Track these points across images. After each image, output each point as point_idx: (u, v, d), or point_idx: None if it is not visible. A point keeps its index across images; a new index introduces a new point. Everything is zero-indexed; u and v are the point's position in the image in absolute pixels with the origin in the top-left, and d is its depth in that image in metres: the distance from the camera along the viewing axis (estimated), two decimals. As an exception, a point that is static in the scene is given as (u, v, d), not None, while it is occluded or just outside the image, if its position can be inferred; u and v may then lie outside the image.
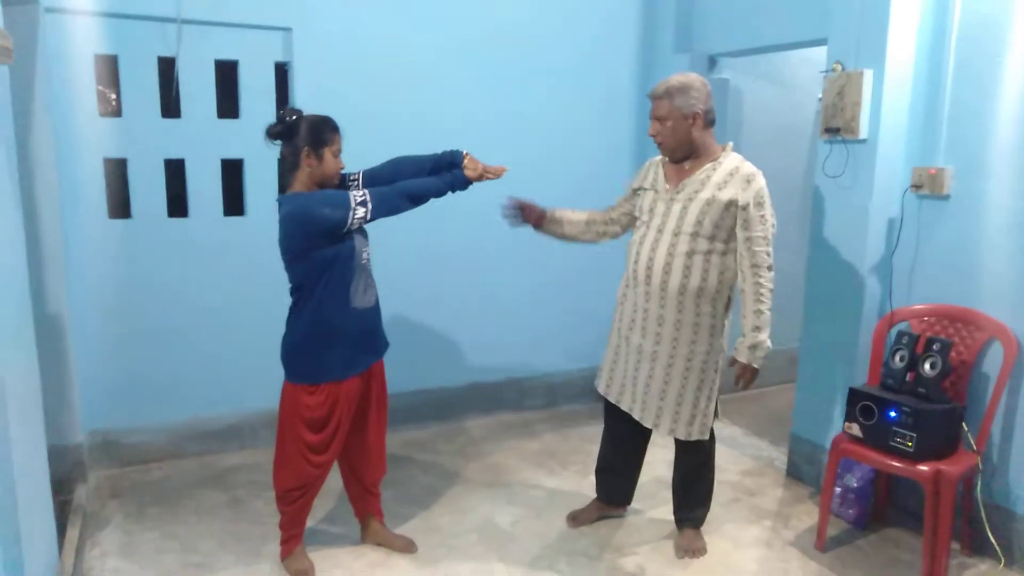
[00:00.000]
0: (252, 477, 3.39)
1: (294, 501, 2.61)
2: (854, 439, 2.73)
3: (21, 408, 2.09)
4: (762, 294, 2.50)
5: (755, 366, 2.55)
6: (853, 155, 3.05)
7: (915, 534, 2.95)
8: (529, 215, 2.84)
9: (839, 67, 3.06)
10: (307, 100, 3.32)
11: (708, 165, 2.55)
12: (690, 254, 2.51)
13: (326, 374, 2.49)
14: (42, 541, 2.24)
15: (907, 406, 2.58)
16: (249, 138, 3.43)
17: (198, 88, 3.31)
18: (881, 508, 3.09)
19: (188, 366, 3.50)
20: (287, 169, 2.45)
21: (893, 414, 2.61)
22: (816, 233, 3.27)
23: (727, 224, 2.51)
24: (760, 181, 2.51)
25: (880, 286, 3.09)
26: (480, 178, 2.60)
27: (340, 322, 2.47)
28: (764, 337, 2.52)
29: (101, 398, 3.35)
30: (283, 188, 2.51)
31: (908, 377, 2.71)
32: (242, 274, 3.53)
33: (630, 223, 2.82)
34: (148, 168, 3.30)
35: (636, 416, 2.73)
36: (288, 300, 2.52)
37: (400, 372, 3.86)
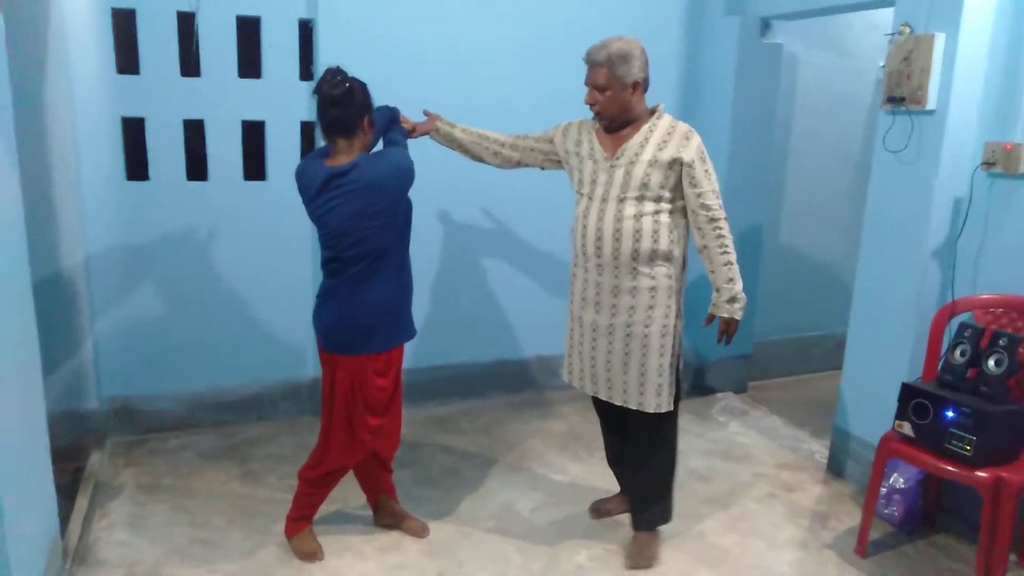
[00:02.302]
0: (268, 450, 3.30)
1: (329, 484, 2.55)
2: (905, 439, 2.51)
3: (15, 373, 2.00)
4: (727, 246, 2.43)
5: (736, 317, 2.45)
6: (918, 127, 2.77)
7: (967, 542, 2.73)
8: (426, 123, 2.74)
9: (907, 29, 2.78)
10: (332, 61, 3.15)
11: (645, 127, 2.44)
12: (638, 216, 2.39)
13: (408, 332, 2.51)
14: (37, 511, 2.17)
15: (967, 406, 2.34)
16: (271, 99, 3.30)
17: (218, 46, 3.17)
18: (929, 511, 2.87)
19: (208, 334, 3.41)
20: (340, 134, 2.28)
21: (950, 414, 2.38)
22: (872, 212, 3.01)
23: (671, 182, 2.40)
24: (697, 137, 2.43)
25: (941, 272, 2.83)
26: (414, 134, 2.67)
27: (410, 282, 2.49)
28: (739, 287, 2.44)
29: (119, 364, 3.29)
30: (326, 155, 2.35)
31: (969, 374, 2.47)
32: (263, 241, 3.41)
33: (541, 162, 2.72)
34: (166, 129, 3.18)
35: (604, 396, 2.57)
36: (314, 274, 2.40)
37: (424, 346, 3.76)
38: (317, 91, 2.27)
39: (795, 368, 4.55)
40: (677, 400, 2.56)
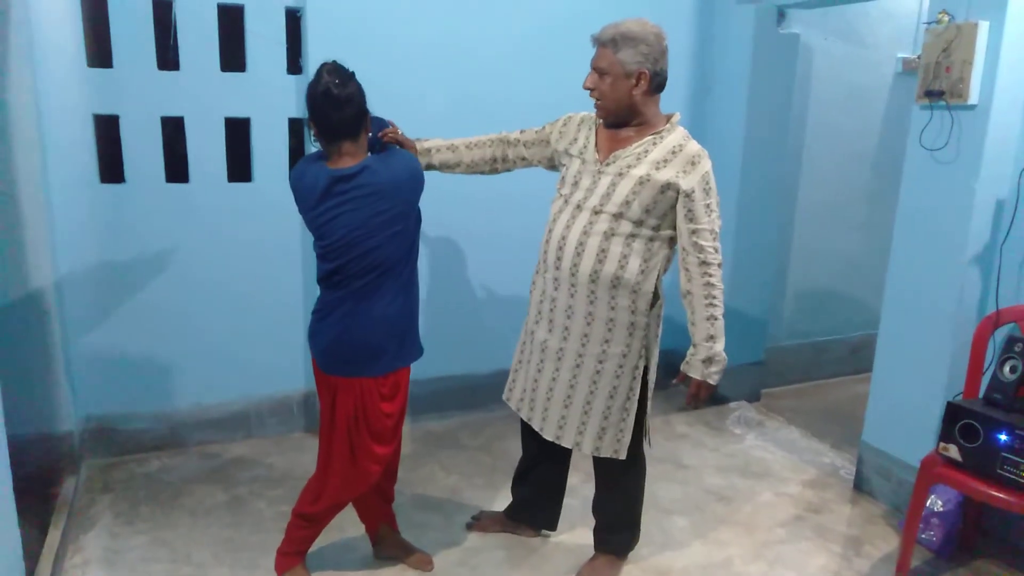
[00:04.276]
0: (255, 473, 3.07)
1: (327, 518, 2.33)
2: (951, 462, 2.31)
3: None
4: (714, 296, 2.11)
5: (710, 382, 2.14)
6: (959, 123, 2.57)
7: (1014, 570, 2.54)
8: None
9: (945, 18, 2.57)
10: (321, 52, 2.92)
11: (648, 137, 2.13)
12: (608, 235, 2.11)
13: (416, 351, 2.28)
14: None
15: (1022, 428, 2.15)
16: (256, 94, 3.06)
17: (199, 37, 2.92)
18: (970, 535, 2.68)
19: (190, 347, 3.17)
20: (347, 136, 2.04)
21: (1004, 437, 2.18)
22: (905, 213, 2.81)
23: (659, 209, 2.10)
24: (706, 164, 2.10)
25: (982, 280, 2.64)
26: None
27: (418, 296, 2.26)
28: (719, 348, 2.13)
29: (96, 382, 3.05)
30: (326, 158, 2.09)
31: (1020, 392, 2.28)
32: (249, 246, 3.17)
33: (525, 165, 2.48)
34: (143, 126, 2.93)
35: (536, 426, 2.33)
36: (313, 291, 2.17)
37: (422, 358, 3.53)
38: (323, 92, 1.98)
39: (809, 374, 4.36)
40: (640, 443, 2.31)
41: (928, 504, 2.65)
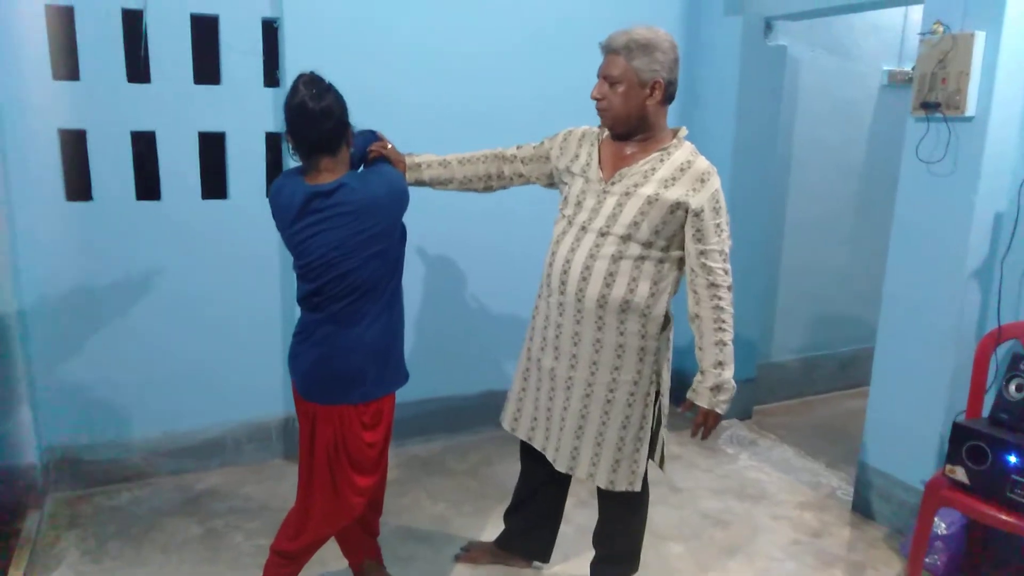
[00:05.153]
0: (232, 504, 2.92)
1: (307, 555, 2.17)
2: (958, 485, 2.24)
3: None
4: (724, 320, 2.01)
5: (718, 411, 2.04)
6: (956, 136, 2.52)
7: (1020, 594, 2.47)
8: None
9: (940, 29, 2.52)
10: (300, 63, 2.81)
11: (655, 154, 2.03)
12: (615, 258, 2.00)
13: (401, 377, 2.16)
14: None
15: (1032, 450, 2.08)
16: (231, 108, 2.94)
17: (171, 47, 2.80)
18: (975, 560, 2.61)
19: (162, 371, 3.02)
20: (326, 152, 1.92)
21: (1013, 459, 2.11)
22: (901, 227, 2.75)
23: (668, 230, 2.00)
24: (716, 181, 2.01)
25: (982, 295, 2.58)
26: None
27: (402, 318, 2.15)
28: (728, 375, 2.02)
29: (62, 410, 2.89)
30: (304, 172, 1.98)
31: (1028, 411, 2.21)
32: (224, 267, 3.04)
33: (522, 182, 2.36)
34: (112, 142, 2.79)
35: (549, 457, 2.22)
36: (292, 311, 2.04)
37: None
38: (298, 105, 1.87)
39: (800, 390, 4.29)
40: (645, 474, 2.20)
41: (932, 527, 2.57)
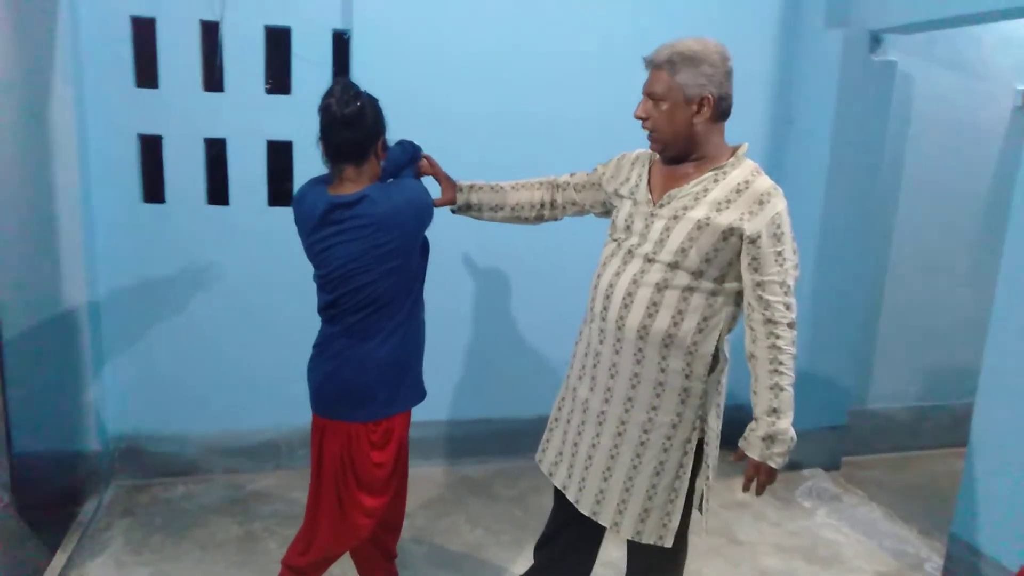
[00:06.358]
0: (276, 507, 2.95)
1: (318, 571, 2.13)
2: (1054, 577, 1.89)
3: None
4: (782, 362, 1.75)
5: (772, 465, 1.78)
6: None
7: None
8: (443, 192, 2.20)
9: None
10: (368, 74, 2.83)
11: (709, 174, 1.81)
12: (660, 287, 1.80)
13: (416, 395, 2.10)
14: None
15: None
16: (300, 118, 2.96)
17: (244, 58, 2.89)
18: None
19: (224, 371, 3.11)
20: (349, 160, 1.90)
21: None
22: (1011, 269, 2.40)
23: (722, 259, 1.78)
24: (778, 204, 1.75)
25: (1105, 352, 2.19)
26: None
27: (422, 333, 2.10)
28: (785, 425, 1.76)
29: (126, 401, 3.03)
30: (328, 181, 1.96)
31: None
32: (288, 273, 3.05)
33: (576, 212, 2.22)
34: (186, 148, 2.91)
35: (572, 497, 1.99)
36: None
37: (460, 398, 3.35)
38: (324, 110, 1.87)
39: (901, 444, 3.87)
40: (687, 526, 1.95)
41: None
